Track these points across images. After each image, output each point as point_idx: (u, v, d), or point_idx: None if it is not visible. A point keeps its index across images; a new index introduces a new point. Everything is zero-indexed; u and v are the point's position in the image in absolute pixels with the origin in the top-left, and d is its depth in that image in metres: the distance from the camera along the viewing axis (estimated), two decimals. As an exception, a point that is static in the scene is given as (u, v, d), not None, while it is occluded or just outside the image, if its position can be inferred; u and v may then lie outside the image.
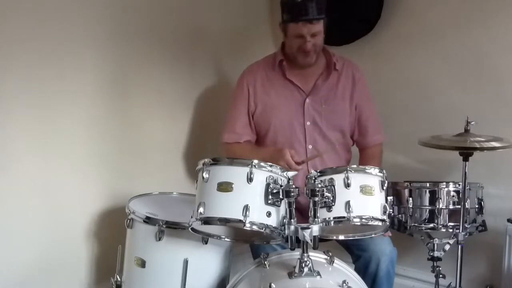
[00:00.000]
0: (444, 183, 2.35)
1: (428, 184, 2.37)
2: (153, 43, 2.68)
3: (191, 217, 1.85)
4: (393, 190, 2.38)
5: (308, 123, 2.40)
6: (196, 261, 2.06)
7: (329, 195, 1.81)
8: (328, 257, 1.95)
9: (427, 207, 2.35)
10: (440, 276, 2.38)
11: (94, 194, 2.52)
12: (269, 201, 1.80)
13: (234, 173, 1.81)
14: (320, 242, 1.79)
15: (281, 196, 1.79)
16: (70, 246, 2.46)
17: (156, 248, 2.07)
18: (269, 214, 1.80)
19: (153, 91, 2.71)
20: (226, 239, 1.99)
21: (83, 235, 2.50)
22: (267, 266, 1.90)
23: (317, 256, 1.93)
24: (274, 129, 2.42)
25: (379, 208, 1.85)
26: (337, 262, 1.96)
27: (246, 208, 1.76)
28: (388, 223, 1.88)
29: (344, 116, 2.43)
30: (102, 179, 2.54)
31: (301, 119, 2.40)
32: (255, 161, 1.81)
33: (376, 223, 1.84)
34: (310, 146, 2.40)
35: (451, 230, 2.32)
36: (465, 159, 2.23)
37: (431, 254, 2.38)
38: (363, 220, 1.81)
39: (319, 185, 1.81)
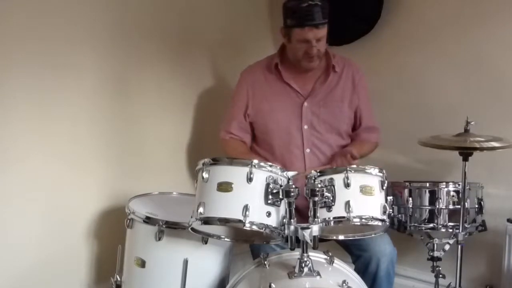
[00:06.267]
0: (444, 183, 2.35)
1: (428, 184, 2.37)
2: (154, 43, 2.68)
3: (191, 217, 1.85)
4: (393, 190, 2.38)
5: (305, 126, 2.39)
6: (196, 261, 2.06)
7: (329, 195, 1.81)
8: (328, 257, 1.95)
9: (427, 207, 2.35)
10: (440, 276, 2.38)
11: (94, 194, 2.53)
12: (269, 201, 1.80)
13: (234, 173, 1.81)
14: (320, 242, 1.79)
15: (281, 196, 1.79)
16: (70, 246, 2.46)
17: (156, 248, 2.07)
18: (269, 214, 1.80)
19: (153, 91, 2.71)
20: (226, 239, 1.99)
21: (83, 235, 2.50)
22: (267, 266, 1.90)
23: (317, 256, 1.93)
24: (271, 132, 2.42)
25: (379, 208, 1.85)
26: (337, 262, 1.95)
27: (246, 208, 1.76)
28: (388, 223, 1.88)
29: (342, 118, 2.42)
30: (102, 179, 2.54)
31: (298, 122, 2.39)
32: (255, 161, 1.81)
33: (376, 223, 1.84)
34: (308, 150, 2.39)
35: (451, 230, 2.32)
36: (465, 159, 2.23)
37: (431, 254, 2.39)
38: (363, 220, 1.81)
39: (319, 185, 1.81)
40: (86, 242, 2.52)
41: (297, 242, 1.80)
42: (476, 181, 2.40)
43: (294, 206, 1.78)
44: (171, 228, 2.04)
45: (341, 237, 1.96)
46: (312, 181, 1.85)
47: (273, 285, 1.70)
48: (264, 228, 1.79)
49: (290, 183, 1.84)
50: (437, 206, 2.32)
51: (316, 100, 2.40)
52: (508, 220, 2.46)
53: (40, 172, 2.32)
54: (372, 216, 1.82)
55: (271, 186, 1.80)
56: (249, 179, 1.78)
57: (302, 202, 1.95)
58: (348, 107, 2.43)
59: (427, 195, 2.36)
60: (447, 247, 2.38)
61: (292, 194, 1.75)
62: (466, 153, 2.22)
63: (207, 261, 2.11)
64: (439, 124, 2.65)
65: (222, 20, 3.01)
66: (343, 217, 1.80)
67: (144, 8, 2.63)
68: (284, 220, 1.80)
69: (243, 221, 1.76)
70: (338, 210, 1.81)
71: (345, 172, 1.83)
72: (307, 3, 2.20)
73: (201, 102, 2.92)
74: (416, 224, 2.36)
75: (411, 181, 2.39)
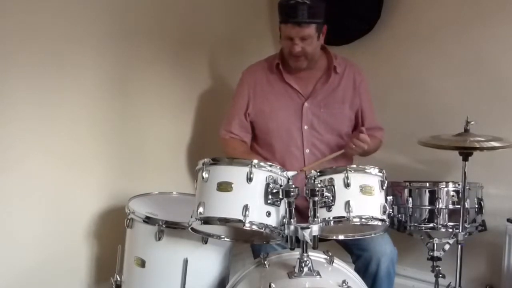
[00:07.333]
0: (444, 183, 2.35)
1: (428, 184, 2.37)
2: (153, 43, 2.68)
3: (191, 217, 1.85)
4: (393, 190, 2.38)
5: (305, 127, 2.39)
6: (196, 261, 2.06)
7: (329, 195, 1.81)
8: (328, 257, 1.95)
9: (426, 207, 2.35)
10: (440, 276, 2.38)
11: (94, 194, 2.52)
12: (269, 201, 1.80)
13: (234, 173, 1.81)
14: (320, 242, 1.80)
15: (280, 196, 1.79)
16: (70, 246, 2.45)
17: (156, 248, 2.07)
18: (268, 214, 1.80)
19: (153, 91, 2.71)
20: (226, 239, 1.99)
21: (83, 235, 2.50)
22: (266, 266, 1.90)
23: (317, 256, 1.93)
24: (271, 132, 2.42)
25: (379, 208, 1.85)
26: (337, 262, 1.96)
27: (245, 208, 1.76)
28: (387, 223, 1.88)
29: (343, 120, 2.42)
30: (102, 179, 2.54)
31: (298, 123, 2.39)
32: (255, 161, 1.81)
33: (375, 223, 1.84)
34: (307, 151, 2.39)
35: (450, 230, 2.32)
36: (465, 159, 2.23)
37: (431, 254, 2.39)
38: (363, 220, 1.81)
39: (319, 185, 1.81)
40: (86, 242, 2.52)
41: (297, 242, 1.80)
42: (476, 181, 2.40)
43: (294, 206, 1.79)
44: (171, 228, 2.04)
45: (341, 237, 1.96)
46: (312, 181, 1.85)
47: (273, 285, 1.70)
48: (264, 228, 1.79)
49: (290, 183, 1.84)
50: (437, 206, 2.33)
51: (317, 100, 2.40)
52: (508, 220, 2.46)
53: (40, 172, 2.32)
54: (372, 216, 1.83)
55: (271, 186, 1.80)
56: (249, 179, 1.79)
57: (302, 202, 1.95)
58: (349, 108, 2.43)
59: (427, 195, 2.36)
60: (447, 247, 2.39)
61: (292, 194, 1.76)
62: (466, 153, 2.22)
63: (207, 261, 2.11)
64: (439, 124, 2.66)
65: (222, 20, 3.01)
66: (343, 217, 1.80)
67: (144, 8, 2.63)
68: (284, 220, 1.80)
69: (243, 221, 1.76)
70: (338, 210, 1.81)
71: (345, 172, 1.83)
72: (295, 1, 2.21)
73: (201, 102, 2.92)
74: (416, 224, 2.36)
75: (411, 181, 2.39)
